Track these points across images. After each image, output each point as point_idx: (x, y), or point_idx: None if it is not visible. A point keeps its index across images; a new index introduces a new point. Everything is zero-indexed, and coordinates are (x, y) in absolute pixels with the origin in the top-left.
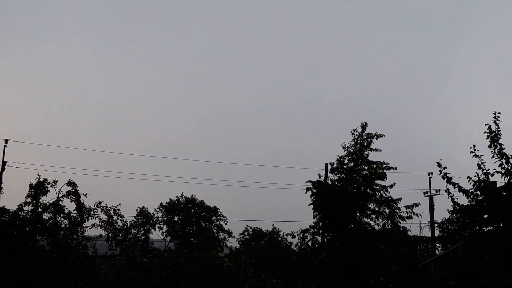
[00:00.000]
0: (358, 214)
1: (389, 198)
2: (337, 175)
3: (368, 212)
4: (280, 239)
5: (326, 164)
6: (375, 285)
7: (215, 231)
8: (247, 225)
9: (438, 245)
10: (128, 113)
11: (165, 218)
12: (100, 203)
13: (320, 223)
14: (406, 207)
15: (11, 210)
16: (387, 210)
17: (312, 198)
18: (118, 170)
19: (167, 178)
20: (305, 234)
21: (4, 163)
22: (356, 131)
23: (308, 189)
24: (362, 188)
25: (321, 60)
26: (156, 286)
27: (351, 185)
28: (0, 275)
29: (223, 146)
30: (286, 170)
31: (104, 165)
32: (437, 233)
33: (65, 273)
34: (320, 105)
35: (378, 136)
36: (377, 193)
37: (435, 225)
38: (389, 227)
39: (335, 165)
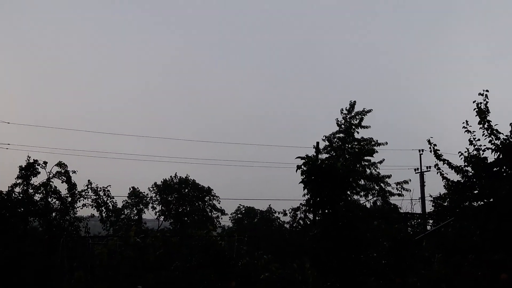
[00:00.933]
0: (348, 191)
1: (379, 175)
2: (326, 153)
3: (358, 189)
4: (273, 217)
5: (317, 143)
6: (366, 261)
7: (208, 210)
8: (240, 204)
9: (429, 221)
10: (120, 92)
11: (159, 198)
12: (90, 183)
13: (311, 201)
14: (397, 183)
15: (3, 192)
16: (377, 187)
17: (302, 175)
18: (111, 150)
19: (160, 158)
20: (296, 212)
21: None
22: (346, 109)
23: (298, 167)
24: (351, 165)
25: (310, 33)
26: (149, 266)
27: (340, 161)
28: None
29: (216, 125)
30: (279, 149)
31: (95, 145)
32: (430, 209)
33: (57, 254)
34: (312, 80)
35: (366, 112)
36: (366, 169)
37: (428, 200)
38: (380, 203)
39: (325, 143)
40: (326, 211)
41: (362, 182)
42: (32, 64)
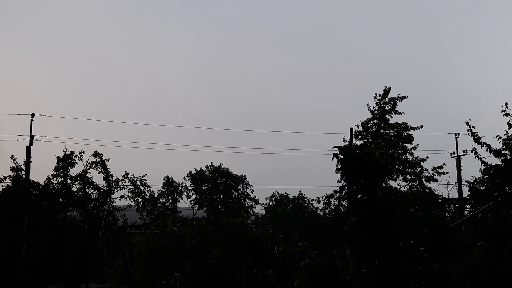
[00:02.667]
0: (386, 178)
1: (415, 160)
2: (361, 140)
3: (394, 176)
4: (305, 204)
5: (351, 129)
6: (404, 249)
7: (241, 199)
8: (275, 191)
9: (466, 206)
10: (154, 83)
11: (193, 187)
12: (127, 173)
13: (345, 188)
14: (433, 168)
15: (41, 184)
16: (412, 172)
17: (338, 163)
18: (146, 141)
19: (195, 147)
20: (330, 199)
21: (32, 137)
22: (379, 94)
23: (334, 155)
24: (389, 152)
25: (342, 22)
26: (186, 254)
27: (378, 150)
28: (32, 245)
29: (249, 114)
30: (311, 135)
31: (131, 136)
32: (466, 193)
33: (97, 243)
34: (345, 67)
35: (401, 98)
36: (401, 156)
37: (464, 185)
38: (415, 189)
39: (359, 129)
40: (365, 198)
41: (398, 168)
42: (66, 56)
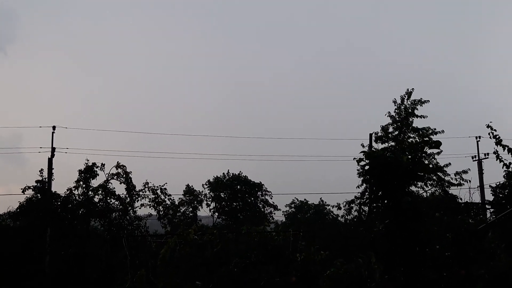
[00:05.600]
0: (413, 184)
1: (437, 165)
2: (382, 144)
3: (422, 182)
4: (326, 211)
5: (370, 134)
6: (430, 254)
7: (260, 206)
8: (295, 197)
9: (489, 211)
10: (170, 92)
11: (212, 195)
12: (147, 183)
13: (366, 194)
14: (456, 173)
15: (62, 195)
16: (435, 177)
17: (359, 168)
18: (164, 150)
19: (213, 156)
20: (351, 205)
21: (53, 149)
22: (401, 97)
23: (360, 159)
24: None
25: (359, 25)
26: (207, 262)
27: (406, 155)
28: (55, 256)
29: (267, 121)
30: (328, 142)
31: (151, 146)
32: (488, 197)
33: (119, 253)
34: (362, 73)
35: (423, 102)
36: (425, 160)
37: (487, 189)
38: (438, 194)
39: (379, 134)
40: (391, 203)
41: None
42: (86, 69)
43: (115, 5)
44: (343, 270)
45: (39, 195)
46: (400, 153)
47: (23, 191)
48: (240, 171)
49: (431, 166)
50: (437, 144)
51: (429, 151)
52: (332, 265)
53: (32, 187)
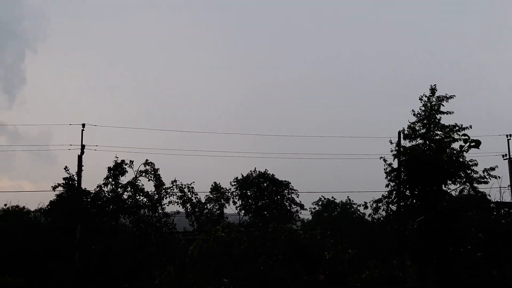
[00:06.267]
0: (451, 182)
1: (466, 162)
2: (409, 142)
3: (460, 180)
4: (352, 209)
5: (399, 132)
6: (463, 254)
7: (287, 204)
8: (322, 196)
9: None
10: (198, 90)
11: (239, 193)
12: (175, 181)
13: (394, 193)
14: (484, 170)
15: (92, 191)
16: (463, 174)
17: (386, 167)
18: (192, 148)
19: (241, 154)
20: (378, 205)
21: (83, 146)
22: (425, 95)
23: (396, 156)
24: (455, 156)
25: (385, 22)
26: (235, 259)
27: (445, 154)
28: (84, 251)
29: (294, 119)
30: (356, 140)
31: (179, 144)
32: None
33: (148, 249)
34: (388, 70)
35: (448, 98)
36: (454, 158)
37: None
38: (466, 192)
39: (406, 132)
40: (426, 202)
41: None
42: (115, 67)
43: (143, 6)
44: (377, 273)
45: (69, 192)
46: (438, 151)
47: (54, 188)
48: (266, 169)
49: (459, 162)
50: (477, 144)
51: (467, 150)
52: (361, 264)
53: (62, 184)
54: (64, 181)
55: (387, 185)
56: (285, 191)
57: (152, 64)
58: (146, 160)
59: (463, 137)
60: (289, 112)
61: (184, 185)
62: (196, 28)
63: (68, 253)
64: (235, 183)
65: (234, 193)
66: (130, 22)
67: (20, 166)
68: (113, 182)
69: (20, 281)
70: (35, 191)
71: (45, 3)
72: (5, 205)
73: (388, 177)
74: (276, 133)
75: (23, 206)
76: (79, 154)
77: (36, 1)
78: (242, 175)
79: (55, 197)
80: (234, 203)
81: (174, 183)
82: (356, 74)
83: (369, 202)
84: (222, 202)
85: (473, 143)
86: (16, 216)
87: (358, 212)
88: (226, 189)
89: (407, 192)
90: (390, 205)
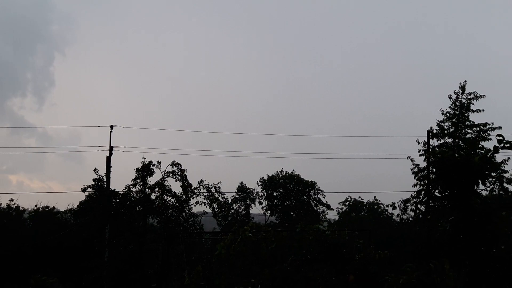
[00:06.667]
0: (483, 184)
1: (495, 161)
2: (437, 141)
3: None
4: (380, 210)
5: (428, 131)
6: (497, 255)
7: (313, 204)
8: (348, 196)
9: None
10: (223, 91)
11: (265, 193)
12: (202, 181)
13: (423, 193)
14: None
15: (120, 192)
16: (493, 174)
17: (413, 167)
18: (218, 148)
19: (269, 154)
20: (406, 205)
21: (111, 147)
22: (454, 93)
23: (427, 157)
24: (488, 158)
25: (414, 21)
26: (262, 260)
27: (479, 155)
28: (113, 251)
29: (320, 118)
30: (382, 139)
31: (205, 144)
32: None
33: (175, 249)
34: (415, 69)
35: (478, 97)
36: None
37: None
38: (496, 192)
39: (434, 131)
40: (459, 203)
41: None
42: (142, 70)
43: (168, 9)
44: (415, 277)
45: (97, 193)
46: (472, 153)
47: (83, 190)
48: (293, 170)
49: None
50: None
51: (501, 151)
52: (391, 266)
53: (91, 186)
54: (93, 182)
55: (414, 185)
56: (311, 191)
57: (178, 66)
58: (173, 161)
59: (497, 137)
60: (315, 111)
61: (211, 185)
62: (223, 29)
63: (98, 252)
64: (261, 183)
65: (259, 193)
66: (156, 24)
67: (50, 167)
68: (141, 183)
69: (54, 281)
70: (64, 192)
71: (73, 7)
72: (35, 206)
73: (416, 177)
74: (303, 133)
75: (53, 207)
76: (108, 155)
77: (64, 5)
78: (268, 175)
79: (85, 198)
80: (260, 203)
81: (200, 183)
82: (382, 73)
83: (397, 203)
84: (248, 202)
85: (508, 144)
86: (46, 217)
87: (386, 213)
88: (252, 190)
89: (437, 193)
90: (419, 205)
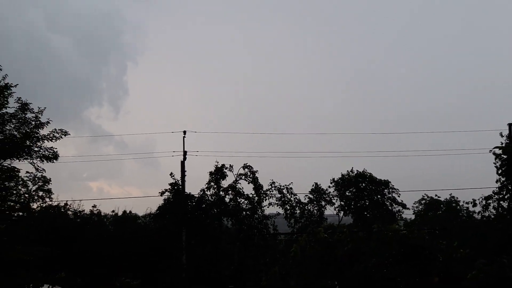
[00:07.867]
0: None
1: None
2: None
3: None
4: (458, 208)
5: (509, 124)
6: None
7: (388, 204)
8: (424, 194)
9: None
10: (294, 92)
11: (337, 194)
12: (273, 182)
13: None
14: None
15: (196, 195)
16: None
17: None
18: (289, 149)
19: (340, 154)
20: (488, 201)
21: (185, 152)
22: None
23: (496, 155)
24: None
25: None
26: (339, 261)
27: None
28: (190, 253)
29: (394, 117)
30: (459, 134)
31: (275, 146)
32: None
33: (250, 251)
34: (495, 59)
35: None
36: None
37: None
38: None
39: None
40: None
41: None
42: (212, 77)
43: (235, 15)
44: (486, 271)
45: (174, 196)
46: None
47: (161, 194)
48: (364, 169)
49: None
50: None
51: None
52: (474, 265)
53: (168, 190)
54: (170, 187)
55: (497, 181)
56: (385, 190)
57: (247, 69)
58: (245, 164)
59: None
60: (389, 109)
61: (283, 186)
62: (290, 31)
63: (175, 254)
64: (333, 183)
65: (332, 193)
66: (225, 30)
67: (128, 173)
68: (215, 186)
69: (137, 283)
70: (142, 197)
71: (142, 16)
72: (113, 211)
73: (499, 172)
74: (374, 131)
75: (129, 211)
76: (182, 160)
77: (134, 16)
78: (342, 175)
79: (163, 202)
80: (332, 204)
81: (272, 185)
82: (458, 67)
83: (478, 200)
84: (322, 203)
85: None
86: (125, 221)
87: (465, 210)
88: (325, 190)
89: None
90: (501, 202)
